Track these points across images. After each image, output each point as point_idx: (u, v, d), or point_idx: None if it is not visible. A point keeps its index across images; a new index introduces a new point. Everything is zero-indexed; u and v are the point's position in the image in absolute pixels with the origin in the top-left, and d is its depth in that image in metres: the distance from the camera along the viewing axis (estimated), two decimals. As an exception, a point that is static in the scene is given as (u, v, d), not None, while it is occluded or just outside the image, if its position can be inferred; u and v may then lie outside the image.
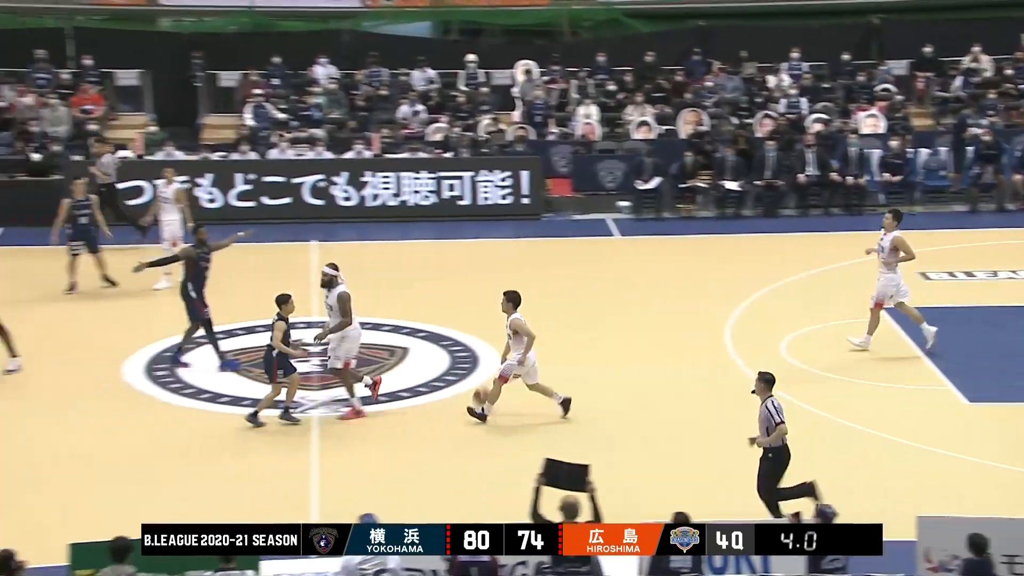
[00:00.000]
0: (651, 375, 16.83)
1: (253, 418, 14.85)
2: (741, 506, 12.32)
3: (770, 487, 12.12)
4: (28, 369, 16.50)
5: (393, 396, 16.09)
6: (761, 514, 12.06)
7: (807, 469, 13.88)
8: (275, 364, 14.82)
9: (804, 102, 26.59)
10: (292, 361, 14.97)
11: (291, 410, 15.01)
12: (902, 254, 17.02)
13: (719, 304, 19.32)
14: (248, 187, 23.79)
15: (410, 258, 22.31)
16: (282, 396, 15.01)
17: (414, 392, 16.27)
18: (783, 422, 12.05)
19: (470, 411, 15.05)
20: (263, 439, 14.84)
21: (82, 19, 28.52)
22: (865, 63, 27.84)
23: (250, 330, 17.91)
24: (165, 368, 16.68)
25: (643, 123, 26.04)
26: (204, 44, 27.49)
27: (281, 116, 25.71)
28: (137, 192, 23.12)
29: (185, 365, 16.58)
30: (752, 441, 12.29)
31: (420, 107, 26.05)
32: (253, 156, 24.32)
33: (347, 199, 24.05)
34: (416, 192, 24.17)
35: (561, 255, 22.64)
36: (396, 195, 24.11)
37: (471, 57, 27.37)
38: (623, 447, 14.53)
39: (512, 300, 15.06)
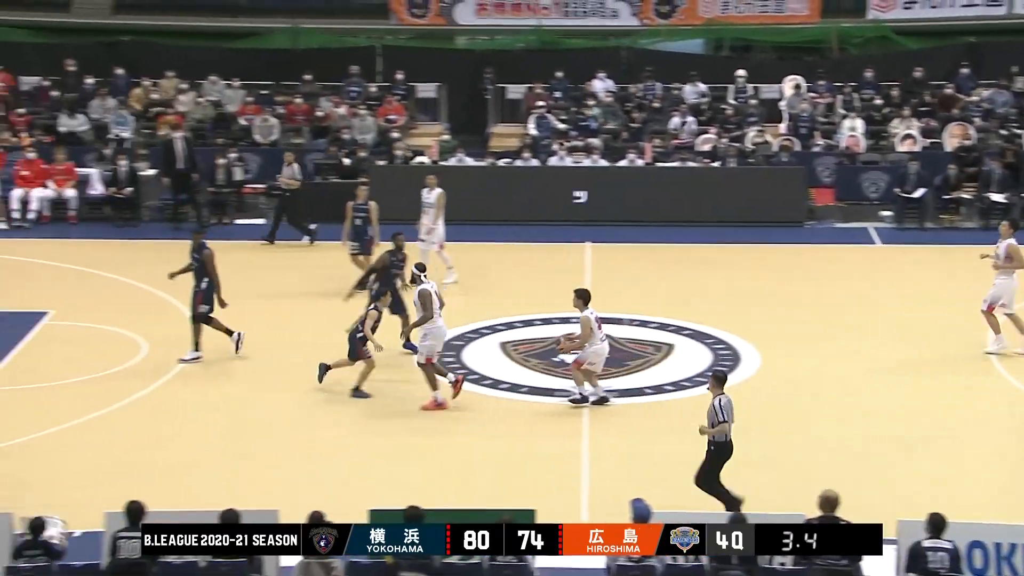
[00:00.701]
0: (910, 380, 16.08)
1: (357, 392, 15.26)
2: (996, 506, 11.59)
3: (708, 478, 12.07)
4: (332, 355, 16.91)
5: (658, 389, 15.93)
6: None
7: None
8: (360, 345, 15.28)
9: (1077, 117, 24.87)
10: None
11: (361, 388, 15.32)
12: (1015, 261, 16.48)
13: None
14: (530, 191, 24.04)
15: (677, 259, 22.04)
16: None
17: (677, 386, 16.04)
18: (726, 421, 11.97)
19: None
20: (538, 424, 14.91)
21: (390, 38, 29.47)
22: None
23: (528, 323, 18.08)
24: (451, 355, 17.00)
25: (908, 136, 24.93)
26: (495, 60, 27.97)
27: (561, 126, 25.88)
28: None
29: (413, 350, 16.22)
30: (701, 431, 12.25)
31: (691, 119, 25.76)
32: (535, 163, 24.59)
33: (619, 203, 23.95)
34: (684, 198, 23.83)
35: (823, 261, 21.89)
36: (665, 200, 23.84)
37: (741, 72, 26.87)
38: (884, 447, 13.92)
39: (582, 297, 14.84)
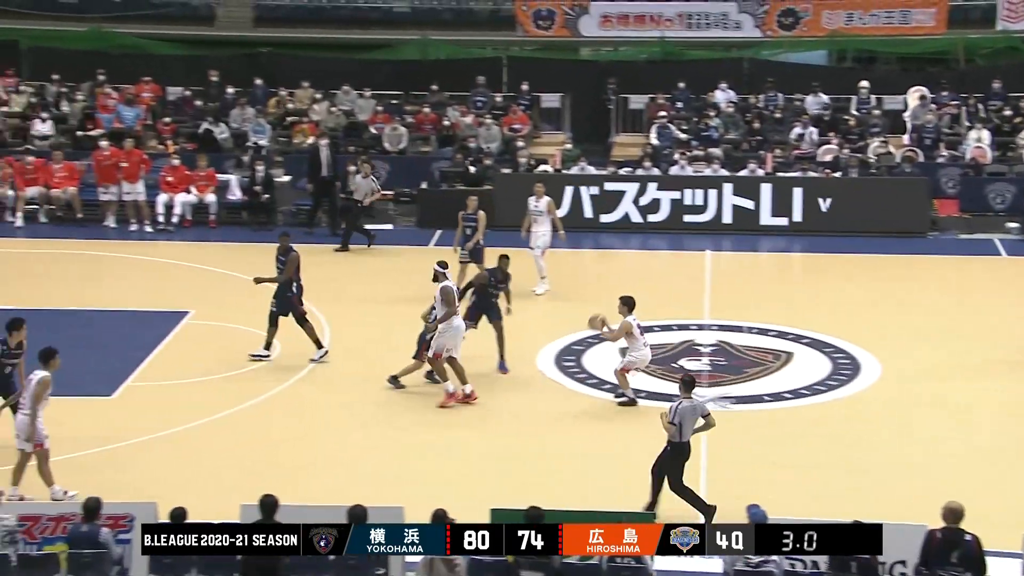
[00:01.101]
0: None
1: (394, 381, 15.57)
2: None
3: (672, 474, 12.21)
4: (472, 357, 16.76)
5: (776, 396, 15.71)
6: None
7: None
8: (426, 344, 15.40)
9: None
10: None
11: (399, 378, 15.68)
12: None
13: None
14: (652, 199, 23.87)
15: (797, 268, 21.71)
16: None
17: (796, 394, 15.79)
18: (673, 424, 12.16)
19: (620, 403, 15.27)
20: (657, 428, 14.72)
21: (516, 50, 29.66)
22: None
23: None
24: (572, 359, 17.01)
25: (1036, 147, 24.16)
26: (617, 71, 27.92)
27: (682, 136, 25.71)
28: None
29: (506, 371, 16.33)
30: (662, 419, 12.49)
31: (812, 129, 25.33)
32: (655, 172, 24.44)
33: (737, 212, 23.62)
34: (805, 207, 23.39)
35: (946, 272, 21.35)
36: (786, 209, 23.44)
37: (864, 83, 26.36)
38: (1006, 458, 13.50)
39: (627, 304, 15.08)
